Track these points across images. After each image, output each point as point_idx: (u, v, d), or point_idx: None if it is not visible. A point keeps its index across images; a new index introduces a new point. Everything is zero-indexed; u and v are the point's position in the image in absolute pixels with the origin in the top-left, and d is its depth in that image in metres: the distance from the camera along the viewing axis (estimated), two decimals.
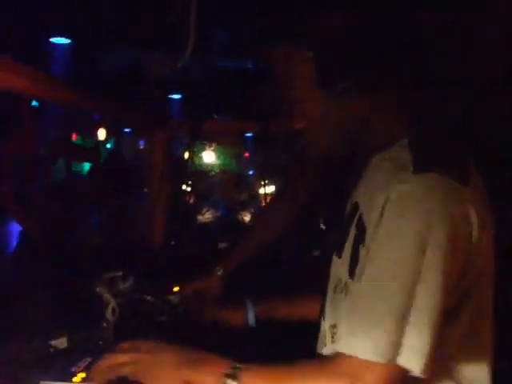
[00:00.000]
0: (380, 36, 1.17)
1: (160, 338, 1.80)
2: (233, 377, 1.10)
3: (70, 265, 2.59)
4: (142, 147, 5.91)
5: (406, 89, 1.24)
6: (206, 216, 4.69)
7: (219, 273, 2.05)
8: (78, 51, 3.40)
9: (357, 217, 1.17)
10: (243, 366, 1.11)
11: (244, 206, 5.17)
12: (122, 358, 1.28)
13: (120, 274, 2.01)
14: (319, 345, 1.31)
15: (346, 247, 1.19)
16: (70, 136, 5.49)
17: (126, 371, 1.24)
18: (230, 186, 5.82)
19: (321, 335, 1.31)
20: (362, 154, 1.26)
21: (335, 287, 1.22)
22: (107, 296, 1.88)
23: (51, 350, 1.73)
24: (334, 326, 1.21)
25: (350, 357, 1.01)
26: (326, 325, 1.25)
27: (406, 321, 0.99)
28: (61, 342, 1.76)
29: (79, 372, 1.45)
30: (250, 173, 8.91)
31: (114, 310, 1.86)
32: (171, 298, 2.19)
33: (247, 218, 4.90)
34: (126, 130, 6.42)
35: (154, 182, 2.99)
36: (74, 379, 1.40)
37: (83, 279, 2.11)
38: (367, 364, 1.00)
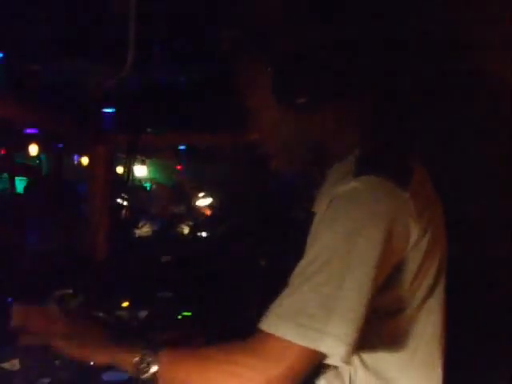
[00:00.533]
0: (338, 53, 1.20)
1: None
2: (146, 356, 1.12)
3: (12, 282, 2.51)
4: (76, 162, 5.80)
5: (361, 103, 1.27)
6: (144, 230, 4.64)
7: None
8: (11, 64, 3.29)
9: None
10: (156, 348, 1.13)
11: (181, 219, 5.15)
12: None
13: (70, 291, 1.97)
14: None
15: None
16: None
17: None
18: (166, 199, 5.78)
19: None
20: (319, 165, 1.29)
21: None
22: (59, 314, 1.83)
23: (2, 372, 1.68)
24: None
25: (273, 336, 1.03)
26: None
27: (331, 310, 1.01)
28: (12, 364, 1.71)
29: None
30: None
31: None
32: (121, 313, 2.16)
33: (186, 230, 4.88)
34: (59, 145, 6.29)
35: (97, 196, 2.95)
36: None
37: (31, 297, 2.05)
38: (289, 344, 1.02)
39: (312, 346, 1.01)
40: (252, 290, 2.47)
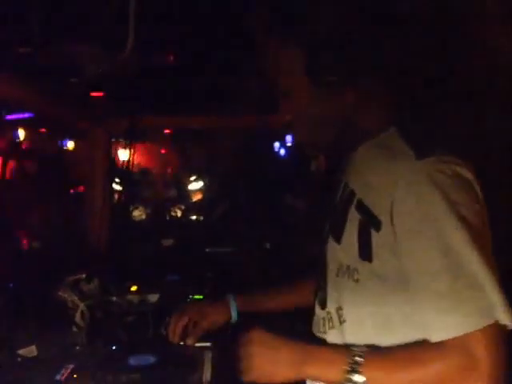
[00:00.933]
0: (367, 30, 1.21)
1: (131, 339, 1.80)
2: (355, 371, 1.11)
3: (18, 270, 2.49)
4: (65, 147, 5.75)
5: (391, 79, 1.28)
6: (136, 213, 4.63)
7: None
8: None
9: (355, 202, 1.21)
10: (361, 360, 1.11)
11: (173, 202, 5.15)
12: (240, 351, 1.26)
13: (83, 276, 1.97)
14: (318, 328, 1.34)
15: (347, 232, 1.22)
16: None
17: (239, 366, 1.25)
18: (158, 183, 5.77)
19: (318, 319, 1.34)
20: (348, 142, 1.30)
21: (337, 272, 1.26)
22: (75, 300, 1.84)
23: (19, 359, 1.67)
24: (340, 308, 1.25)
25: (454, 338, 1.04)
26: (330, 308, 1.29)
27: (480, 287, 1.04)
28: (29, 351, 1.71)
29: (66, 380, 1.41)
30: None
31: (83, 314, 1.81)
32: (131, 297, 2.16)
33: (178, 213, 4.88)
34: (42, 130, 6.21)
35: (98, 181, 2.93)
36: None
37: (42, 284, 2.05)
38: (471, 336, 1.03)
39: (489, 322, 1.03)
40: (258, 270, 2.49)
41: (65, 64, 3.04)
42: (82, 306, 1.81)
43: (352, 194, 1.24)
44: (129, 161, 3.25)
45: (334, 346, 1.24)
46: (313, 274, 1.62)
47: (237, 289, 1.77)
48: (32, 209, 3.55)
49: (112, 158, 3.79)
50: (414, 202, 1.09)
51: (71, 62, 2.99)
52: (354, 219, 1.21)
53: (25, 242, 3.30)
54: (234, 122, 3.36)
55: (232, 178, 4.68)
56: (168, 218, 4.80)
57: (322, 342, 1.30)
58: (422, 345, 1.11)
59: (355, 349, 1.14)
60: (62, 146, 5.50)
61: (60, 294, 1.89)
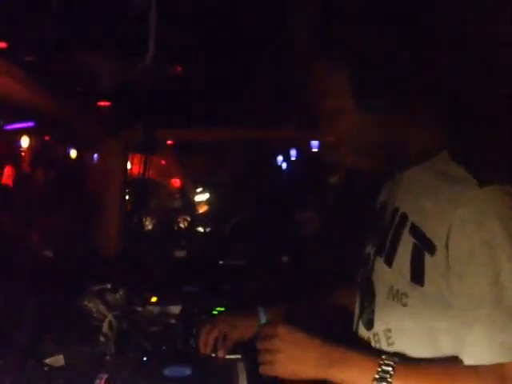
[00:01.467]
0: (418, 56, 1.22)
1: (159, 350, 1.79)
2: (384, 380, 1.12)
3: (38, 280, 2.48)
4: (73, 157, 5.74)
5: (438, 103, 1.29)
6: (146, 224, 4.63)
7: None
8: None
9: (408, 226, 1.22)
10: (392, 370, 1.12)
11: (179, 213, 5.15)
12: (262, 344, 1.27)
13: (108, 286, 1.96)
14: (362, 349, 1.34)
15: (400, 256, 1.23)
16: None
17: (264, 359, 1.26)
18: (162, 194, 5.76)
19: (361, 340, 1.34)
20: (396, 165, 1.31)
21: (388, 294, 1.25)
22: (101, 309, 1.83)
23: (46, 368, 1.66)
24: (388, 330, 1.26)
25: (491, 365, 1.05)
26: (377, 330, 1.29)
27: None
28: (56, 360, 1.70)
29: None
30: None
31: (110, 324, 1.81)
32: (151, 308, 2.16)
33: (184, 225, 4.88)
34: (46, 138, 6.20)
35: (114, 192, 2.93)
36: None
37: (66, 294, 2.04)
38: (507, 366, 1.05)
39: None
40: (275, 283, 2.49)
41: (80, 74, 3.06)
42: (109, 316, 1.81)
43: (404, 217, 1.25)
44: (144, 173, 3.26)
45: (364, 352, 1.23)
46: (342, 290, 1.64)
47: (255, 301, 1.78)
48: (48, 218, 3.55)
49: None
50: (473, 229, 1.10)
51: (87, 72, 3.01)
52: (407, 243, 1.22)
53: (41, 251, 3.29)
54: (241, 134, 3.36)
55: (240, 191, 4.69)
56: (176, 229, 4.79)
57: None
58: (456, 362, 1.12)
59: (386, 357, 1.15)
60: (81, 156, 5.51)
61: (85, 303, 1.89)
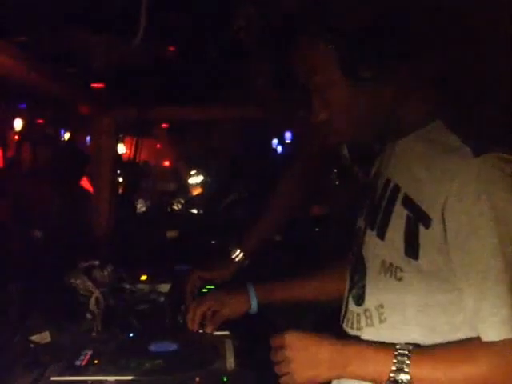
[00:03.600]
0: (403, 24, 1.18)
1: (146, 327, 1.78)
2: (401, 371, 1.08)
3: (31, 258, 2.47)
4: (62, 138, 5.72)
5: (431, 71, 1.26)
6: (138, 206, 4.62)
7: (238, 259, 1.95)
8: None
9: (400, 198, 1.18)
10: (408, 359, 1.09)
11: (173, 196, 5.13)
12: (274, 357, 1.23)
13: (97, 262, 1.94)
14: (351, 324, 1.30)
15: (392, 229, 1.20)
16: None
17: (280, 371, 1.21)
18: (156, 177, 5.75)
19: (351, 315, 1.31)
20: (389, 136, 1.28)
21: (379, 269, 1.22)
22: (89, 286, 1.81)
23: (31, 345, 1.65)
24: (381, 306, 1.22)
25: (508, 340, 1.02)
26: (369, 306, 1.25)
27: None
28: (42, 337, 1.68)
29: (87, 365, 1.39)
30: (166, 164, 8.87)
31: (97, 301, 1.78)
32: (142, 286, 2.14)
33: (178, 207, 4.86)
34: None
35: (104, 171, 2.90)
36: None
37: (54, 270, 2.03)
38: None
39: None
40: (267, 263, 2.46)
41: (72, 51, 3.02)
42: (96, 292, 1.79)
43: (397, 188, 1.21)
44: (135, 153, 3.24)
45: (377, 344, 1.19)
46: (335, 267, 1.61)
47: (247, 279, 1.76)
48: (42, 197, 3.53)
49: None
50: (471, 200, 1.06)
51: (79, 51, 2.97)
52: (400, 215, 1.18)
53: (35, 230, 3.27)
54: (233, 112, 3.33)
55: (232, 173, 4.66)
56: (169, 211, 4.77)
57: (355, 338, 1.27)
58: (472, 342, 1.09)
59: (400, 347, 1.11)
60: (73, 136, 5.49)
61: (72, 280, 1.87)
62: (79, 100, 2.94)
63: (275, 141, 7.51)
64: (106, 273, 1.93)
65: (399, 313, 1.19)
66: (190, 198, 5.25)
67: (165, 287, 2.14)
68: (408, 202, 1.16)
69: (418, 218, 1.13)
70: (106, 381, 1.27)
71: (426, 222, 1.11)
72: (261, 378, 1.36)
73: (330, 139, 1.30)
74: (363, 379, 1.17)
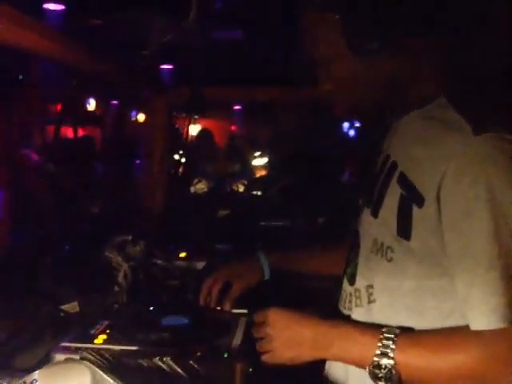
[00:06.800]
0: None
1: (172, 302, 1.81)
2: (385, 355, 1.06)
3: (74, 230, 2.57)
4: (133, 119, 5.85)
5: (434, 47, 1.22)
6: (199, 186, 4.67)
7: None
8: (72, 17, 3.31)
9: (396, 175, 1.15)
10: (393, 344, 1.06)
11: (236, 177, 5.17)
12: (257, 333, 1.24)
13: (130, 237, 1.99)
14: (343, 304, 1.29)
15: (386, 207, 1.17)
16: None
17: (261, 348, 1.22)
18: (222, 158, 5.80)
19: (345, 295, 1.29)
20: (395, 112, 1.25)
21: (371, 248, 1.20)
22: (119, 260, 1.86)
23: (62, 314, 1.71)
24: (370, 287, 1.20)
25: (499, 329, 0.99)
26: (359, 285, 1.24)
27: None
28: (72, 307, 1.75)
29: (99, 334, 1.43)
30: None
31: (125, 274, 1.84)
32: (179, 263, 2.18)
33: (241, 189, 4.89)
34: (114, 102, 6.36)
35: (157, 150, 2.96)
36: (96, 341, 1.38)
37: (91, 243, 2.09)
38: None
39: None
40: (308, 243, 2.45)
41: (129, 34, 3.09)
42: (125, 266, 1.84)
43: (394, 166, 1.18)
44: (187, 133, 3.27)
45: (363, 326, 1.17)
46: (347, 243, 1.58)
47: None
48: (94, 175, 3.65)
49: (176, 129, 3.85)
50: (468, 182, 1.02)
51: (136, 33, 3.03)
52: (394, 193, 1.15)
53: (85, 205, 3.39)
54: (298, 94, 3.29)
55: (296, 156, 4.64)
56: (228, 191, 4.81)
57: (346, 318, 1.25)
58: (460, 329, 1.06)
59: (386, 331, 1.08)
60: (130, 116, 5.63)
61: (106, 254, 1.93)
62: (142, 83, 2.98)
63: (346, 124, 7.44)
64: (138, 248, 1.98)
65: (387, 294, 1.16)
66: (254, 180, 5.27)
67: (200, 265, 2.16)
68: (403, 180, 1.13)
69: (411, 196, 1.10)
70: (111, 349, 1.31)
71: (419, 201, 1.08)
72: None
73: (334, 111, 1.28)
74: (346, 362, 1.15)
